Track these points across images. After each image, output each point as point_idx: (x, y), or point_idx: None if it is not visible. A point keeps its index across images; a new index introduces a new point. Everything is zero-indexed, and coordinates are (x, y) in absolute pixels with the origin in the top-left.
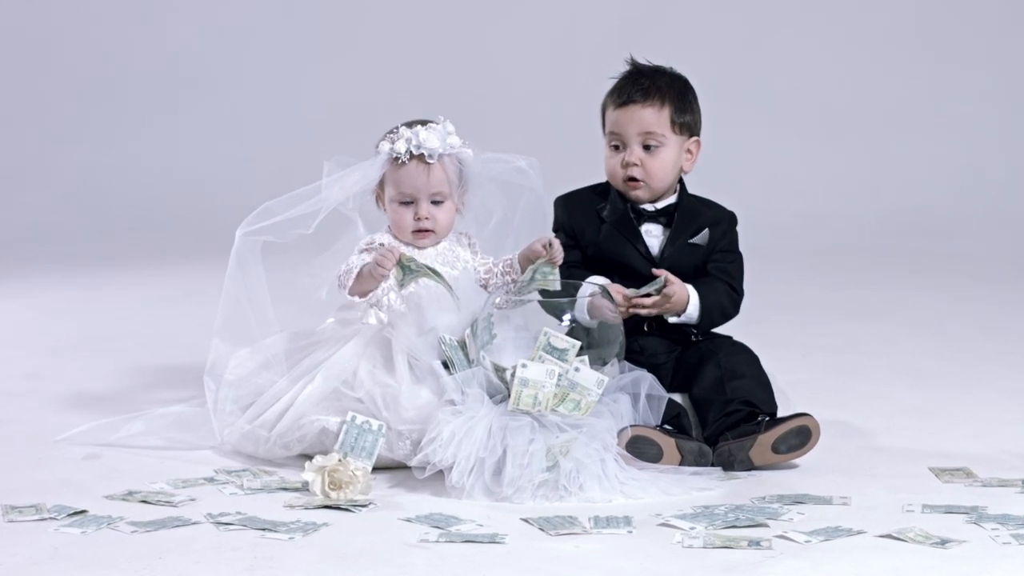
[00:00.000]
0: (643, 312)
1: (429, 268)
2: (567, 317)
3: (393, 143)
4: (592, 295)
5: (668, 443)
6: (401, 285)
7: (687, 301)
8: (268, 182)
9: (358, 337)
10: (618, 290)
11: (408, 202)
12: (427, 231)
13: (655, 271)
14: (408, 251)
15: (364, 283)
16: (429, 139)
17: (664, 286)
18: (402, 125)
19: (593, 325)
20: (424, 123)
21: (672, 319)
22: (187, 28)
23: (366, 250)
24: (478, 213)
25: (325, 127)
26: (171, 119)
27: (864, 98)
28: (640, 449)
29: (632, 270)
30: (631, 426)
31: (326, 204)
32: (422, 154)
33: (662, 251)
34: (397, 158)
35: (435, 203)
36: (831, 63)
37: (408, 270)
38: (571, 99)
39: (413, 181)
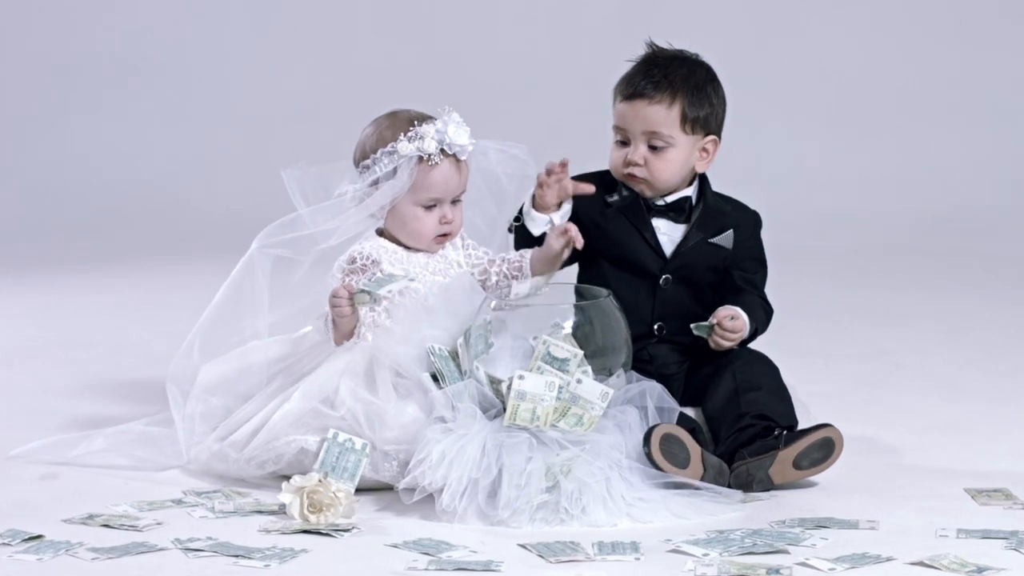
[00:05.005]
0: (725, 345)
1: (384, 275)
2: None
3: (413, 142)
4: (602, 297)
5: (696, 452)
6: (376, 304)
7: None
8: (242, 179)
9: (339, 353)
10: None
11: (432, 205)
12: (448, 235)
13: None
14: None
15: (342, 330)
16: (459, 135)
17: (712, 329)
18: (407, 122)
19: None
20: (427, 117)
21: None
22: (151, 13)
23: (352, 272)
24: (465, 207)
25: (306, 120)
26: (136, 112)
27: (896, 88)
28: (671, 450)
29: (639, 265)
30: (664, 423)
31: (355, 221)
32: (454, 153)
33: (678, 246)
34: (428, 158)
35: (453, 203)
36: (858, 47)
37: (371, 296)
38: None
39: (446, 183)
